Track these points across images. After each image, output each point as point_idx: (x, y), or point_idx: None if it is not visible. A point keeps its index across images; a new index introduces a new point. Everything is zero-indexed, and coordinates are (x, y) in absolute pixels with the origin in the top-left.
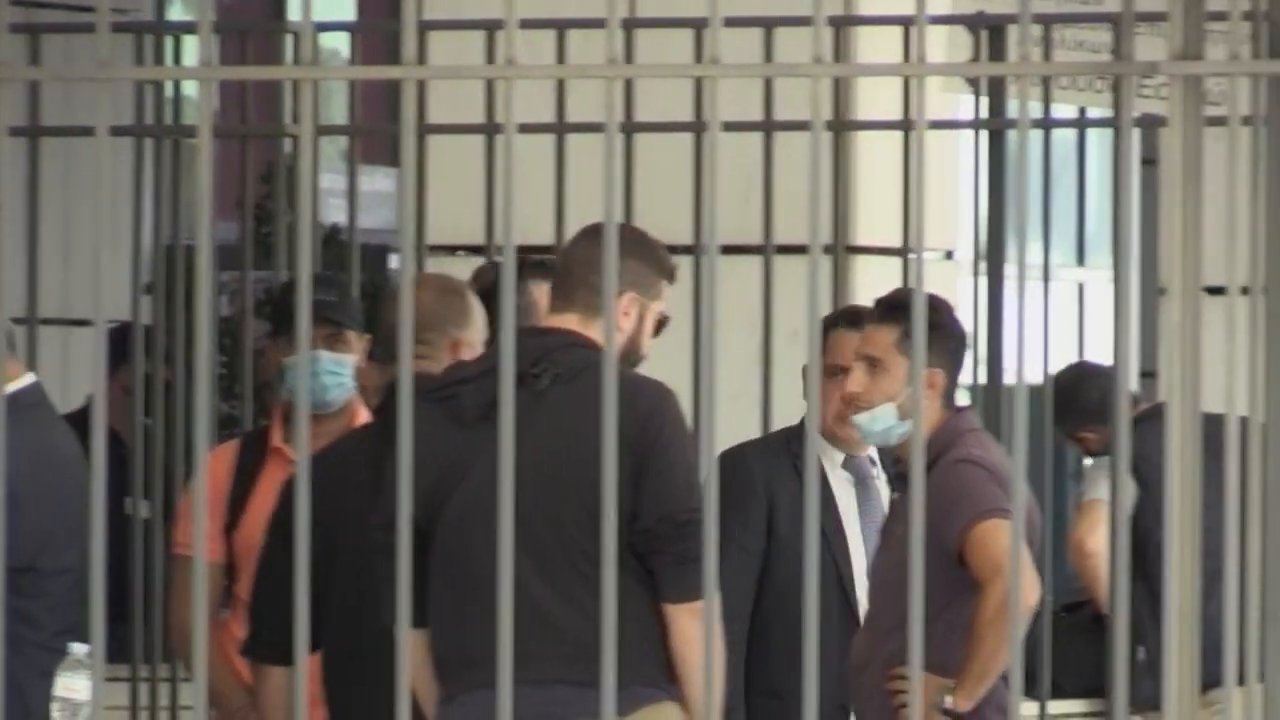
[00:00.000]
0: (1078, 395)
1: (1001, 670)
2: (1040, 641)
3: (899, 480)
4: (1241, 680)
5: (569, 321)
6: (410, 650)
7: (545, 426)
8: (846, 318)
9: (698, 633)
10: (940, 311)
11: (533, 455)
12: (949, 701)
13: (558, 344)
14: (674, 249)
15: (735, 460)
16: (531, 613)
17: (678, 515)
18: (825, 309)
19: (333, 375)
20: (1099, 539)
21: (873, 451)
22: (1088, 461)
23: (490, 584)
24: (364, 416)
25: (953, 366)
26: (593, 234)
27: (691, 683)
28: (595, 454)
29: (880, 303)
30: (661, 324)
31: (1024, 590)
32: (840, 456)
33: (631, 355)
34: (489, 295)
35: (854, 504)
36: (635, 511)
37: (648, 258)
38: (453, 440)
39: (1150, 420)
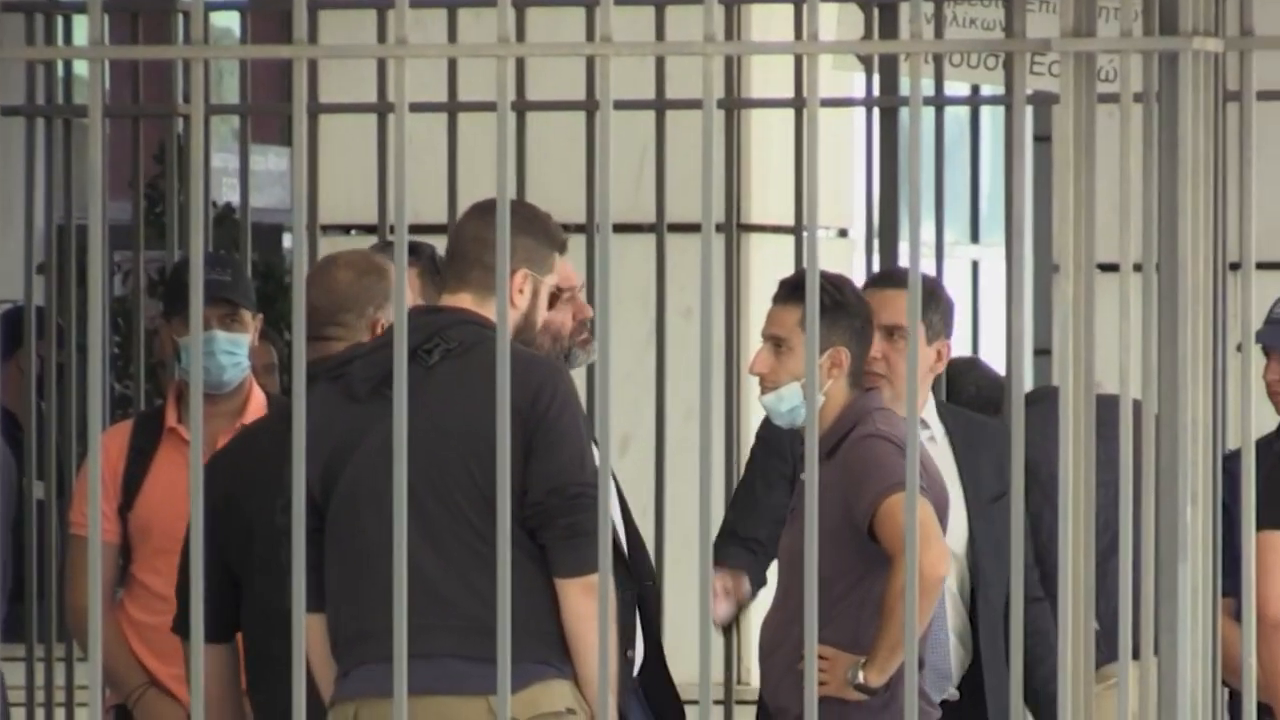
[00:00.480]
0: (956, 389)
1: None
2: None
3: (803, 461)
4: (1136, 654)
5: (463, 301)
6: (311, 634)
7: (435, 401)
8: (878, 279)
9: (589, 608)
10: (845, 290)
11: (423, 430)
12: (861, 677)
13: (449, 321)
14: (566, 227)
15: (767, 427)
16: (421, 587)
17: (566, 489)
18: (719, 287)
19: (229, 355)
20: None
21: (928, 413)
22: None
23: (381, 559)
24: (258, 395)
25: (858, 345)
26: (482, 212)
27: (584, 660)
28: (484, 428)
29: (785, 283)
30: (555, 297)
31: (932, 562)
32: None
33: (526, 331)
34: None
35: None
36: (524, 486)
37: (538, 233)
38: (345, 417)
39: (1035, 404)
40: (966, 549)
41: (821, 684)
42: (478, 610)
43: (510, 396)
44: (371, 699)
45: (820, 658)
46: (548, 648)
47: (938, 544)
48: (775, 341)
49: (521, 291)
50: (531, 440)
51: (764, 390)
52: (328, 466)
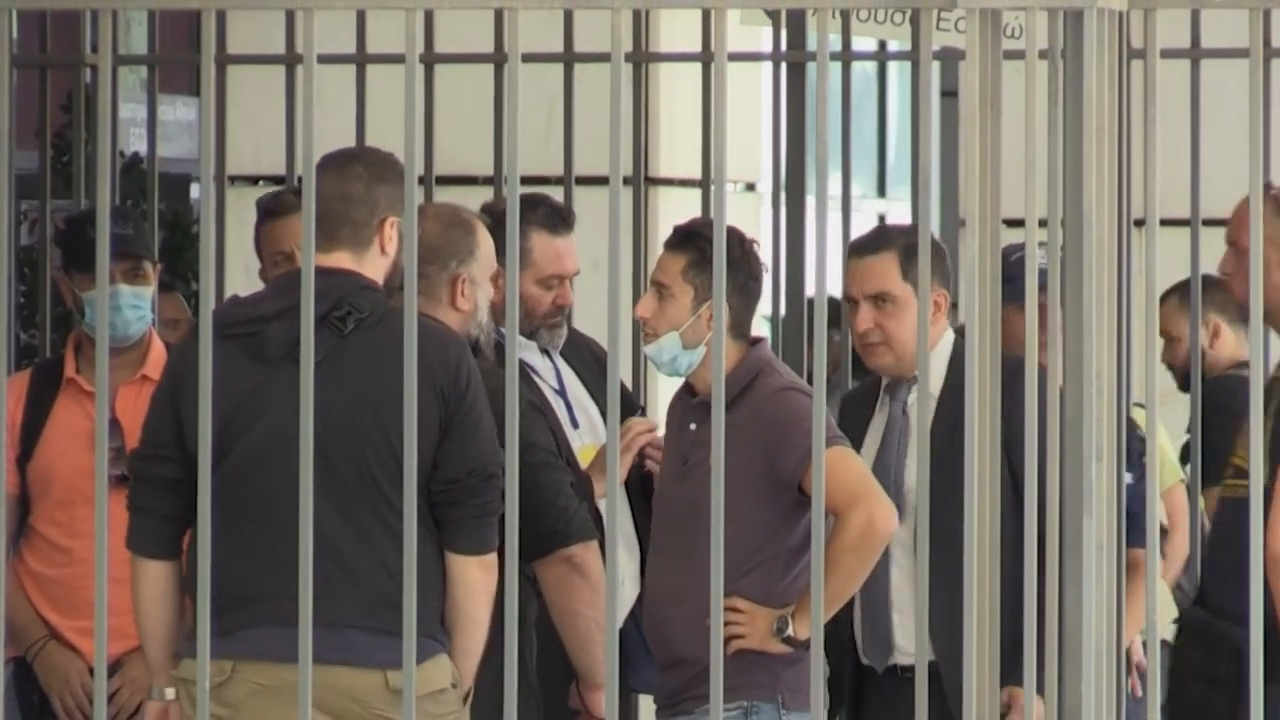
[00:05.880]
0: None
1: (851, 594)
2: None
3: (701, 410)
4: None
5: (341, 260)
6: (151, 582)
7: (355, 371)
8: (854, 248)
9: (485, 584)
10: (731, 244)
11: (340, 398)
12: (791, 629)
13: (350, 285)
14: (475, 181)
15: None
16: (329, 556)
17: (486, 469)
18: (626, 240)
19: (134, 309)
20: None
21: (935, 369)
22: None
23: (286, 523)
24: (158, 345)
25: (740, 299)
26: (338, 165)
27: (470, 633)
28: (402, 399)
29: (676, 230)
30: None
31: (885, 518)
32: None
33: (395, 278)
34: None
35: (879, 429)
36: (438, 462)
37: (396, 178)
38: (251, 377)
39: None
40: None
41: (740, 637)
42: (384, 582)
43: (431, 371)
44: (259, 662)
45: (737, 610)
46: (435, 623)
47: (886, 498)
48: (659, 288)
49: (391, 239)
50: (452, 417)
51: (646, 339)
52: (226, 426)
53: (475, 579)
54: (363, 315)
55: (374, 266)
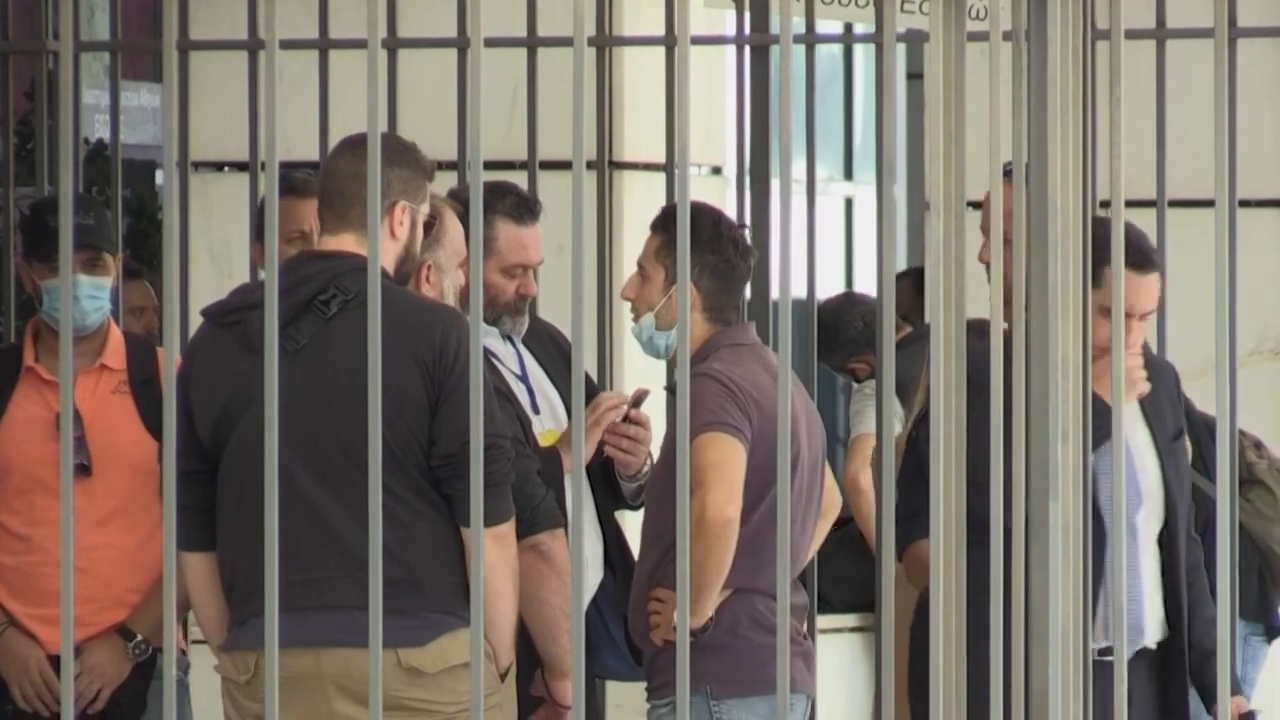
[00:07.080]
0: (841, 327)
1: (715, 582)
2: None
3: (670, 394)
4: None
5: (346, 243)
6: (196, 574)
7: (339, 354)
8: (1135, 260)
9: (498, 556)
10: (701, 226)
11: (327, 383)
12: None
13: (342, 268)
14: (440, 165)
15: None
16: (328, 540)
17: (484, 439)
18: (590, 224)
19: (92, 299)
20: (870, 475)
21: None
22: (855, 386)
23: (284, 509)
24: (116, 334)
25: (712, 280)
26: (355, 147)
27: (494, 607)
28: (391, 382)
29: (661, 210)
30: (429, 225)
31: (717, 504)
32: None
33: (407, 263)
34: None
35: None
36: (434, 437)
37: (409, 163)
38: (240, 365)
39: (916, 343)
40: (1162, 491)
41: (658, 627)
42: (384, 563)
43: (415, 347)
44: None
45: (658, 600)
46: (454, 598)
47: (727, 486)
48: (640, 268)
49: (401, 224)
50: (441, 391)
51: (633, 319)
52: (223, 414)
53: (490, 552)
54: (348, 296)
55: (382, 250)
